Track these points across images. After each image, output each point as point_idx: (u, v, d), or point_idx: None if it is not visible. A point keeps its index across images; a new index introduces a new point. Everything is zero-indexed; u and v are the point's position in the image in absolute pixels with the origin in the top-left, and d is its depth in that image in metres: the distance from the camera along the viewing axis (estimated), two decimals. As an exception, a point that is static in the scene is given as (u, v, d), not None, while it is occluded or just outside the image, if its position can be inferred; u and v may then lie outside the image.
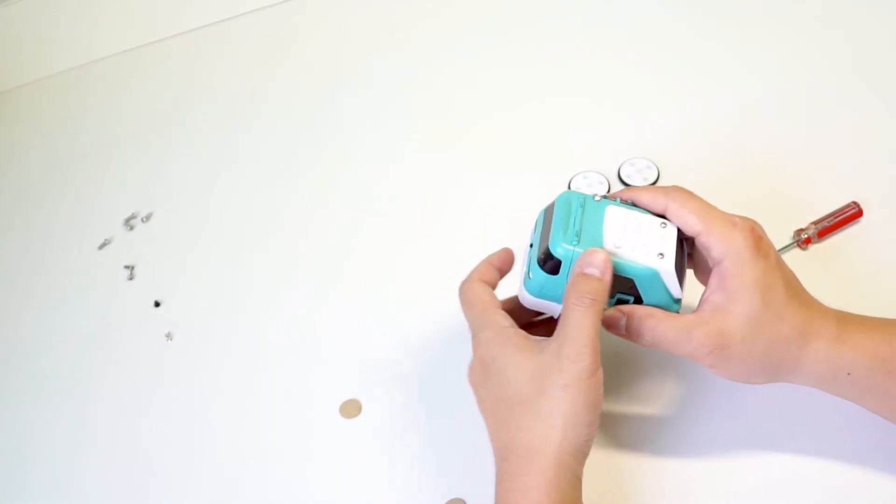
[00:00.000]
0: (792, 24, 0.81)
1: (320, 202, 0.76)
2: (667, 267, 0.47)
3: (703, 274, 0.50)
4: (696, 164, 0.70)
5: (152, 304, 0.71)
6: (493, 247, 0.53)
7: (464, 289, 0.50)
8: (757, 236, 0.46)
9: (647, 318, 0.47)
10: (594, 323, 0.44)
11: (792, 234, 0.63)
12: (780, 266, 0.47)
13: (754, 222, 0.47)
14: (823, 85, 0.74)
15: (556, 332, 0.45)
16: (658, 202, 0.48)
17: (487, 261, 0.51)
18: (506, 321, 0.48)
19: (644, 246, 0.47)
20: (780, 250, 0.62)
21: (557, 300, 0.47)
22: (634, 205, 0.49)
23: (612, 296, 0.48)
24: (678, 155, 0.71)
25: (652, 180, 0.69)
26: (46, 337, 0.72)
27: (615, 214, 0.48)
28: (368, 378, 0.61)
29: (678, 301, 0.49)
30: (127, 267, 0.75)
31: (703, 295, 0.47)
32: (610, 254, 0.46)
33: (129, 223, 0.79)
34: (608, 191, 0.70)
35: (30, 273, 0.78)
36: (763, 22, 0.82)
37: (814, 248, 0.63)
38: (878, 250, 0.62)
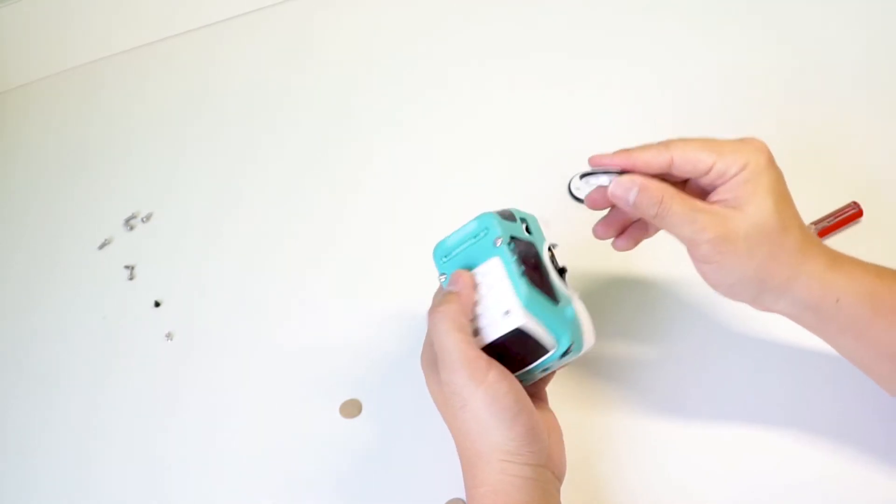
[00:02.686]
0: (791, 24, 0.81)
1: (321, 202, 0.76)
2: (527, 321, 0.45)
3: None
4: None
5: (152, 304, 0.71)
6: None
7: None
8: (768, 149, 0.46)
9: (662, 188, 0.46)
10: (456, 339, 0.45)
11: (792, 234, 0.63)
12: (787, 187, 0.47)
13: (761, 140, 0.47)
14: (823, 85, 0.74)
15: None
16: (662, 157, 0.46)
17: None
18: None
19: (494, 307, 0.46)
20: (780, 250, 0.63)
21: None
22: (527, 261, 0.47)
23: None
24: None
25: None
26: (46, 337, 0.72)
27: (493, 266, 0.47)
28: (368, 378, 0.61)
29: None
30: (127, 267, 0.75)
31: (711, 194, 0.46)
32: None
33: (129, 223, 0.79)
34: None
35: (30, 273, 0.78)
36: (762, 22, 0.82)
37: (814, 248, 0.63)
38: (878, 250, 0.62)
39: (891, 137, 0.69)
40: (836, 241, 0.63)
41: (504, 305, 0.45)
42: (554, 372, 0.50)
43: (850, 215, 0.63)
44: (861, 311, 0.46)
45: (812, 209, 0.64)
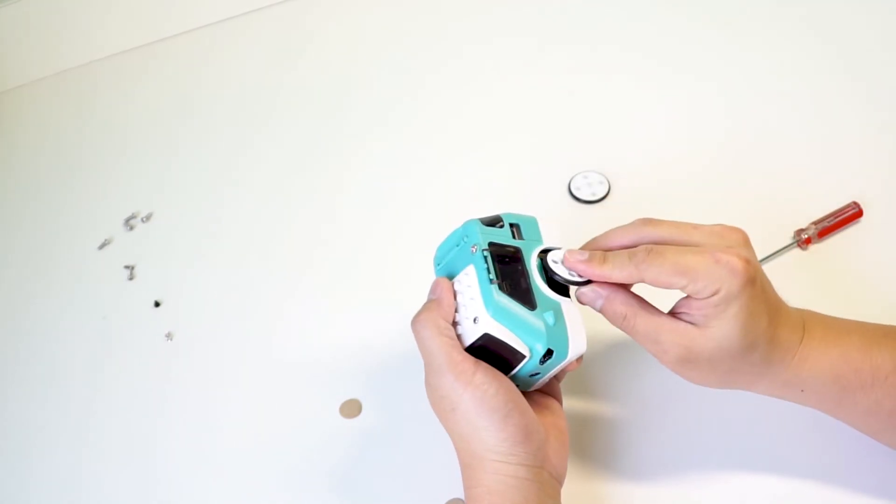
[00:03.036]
0: (790, 23, 0.81)
1: (322, 203, 0.76)
2: (479, 329, 0.46)
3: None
4: (696, 164, 0.70)
5: (152, 304, 0.71)
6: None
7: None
8: (743, 264, 0.43)
9: (626, 304, 0.47)
10: (440, 343, 0.46)
11: (792, 234, 0.63)
12: (765, 288, 0.46)
13: (739, 238, 0.46)
14: (824, 85, 0.75)
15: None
16: (632, 278, 0.46)
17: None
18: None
19: (468, 314, 0.47)
20: (779, 250, 0.63)
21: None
22: (501, 259, 0.48)
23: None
24: (677, 153, 0.71)
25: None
26: (46, 337, 0.72)
27: (469, 273, 0.48)
28: (368, 378, 0.61)
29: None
30: (127, 267, 0.75)
31: (682, 299, 0.46)
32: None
33: (129, 223, 0.79)
34: (607, 191, 0.70)
35: (30, 273, 0.78)
36: (760, 21, 0.82)
37: (814, 248, 0.63)
38: (878, 250, 0.62)
39: (891, 137, 0.69)
40: (836, 241, 0.63)
41: (473, 312, 0.47)
42: (563, 373, 0.50)
43: (850, 215, 0.63)
44: (827, 394, 0.47)
45: (812, 209, 0.64)
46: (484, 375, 0.45)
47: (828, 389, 0.47)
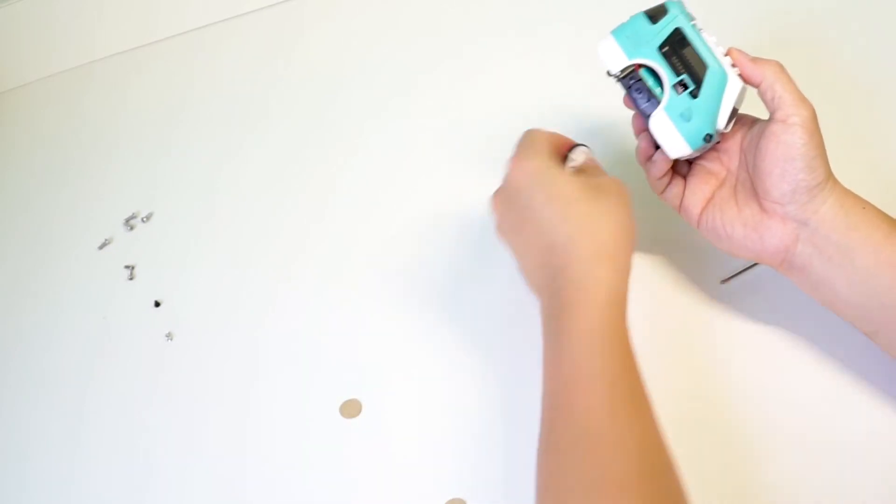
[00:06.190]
0: (786, 20, 0.81)
1: (321, 202, 0.76)
2: (735, 83, 0.50)
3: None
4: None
5: (152, 304, 0.71)
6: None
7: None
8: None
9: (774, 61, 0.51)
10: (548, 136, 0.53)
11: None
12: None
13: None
14: (823, 85, 0.74)
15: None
16: (757, 73, 0.50)
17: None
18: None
19: (728, 64, 0.51)
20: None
21: (627, 51, 0.52)
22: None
23: (678, 73, 0.51)
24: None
25: None
26: (46, 337, 0.72)
27: (710, 36, 0.52)
28: (368, 378, 0.61)
29: (713, 129, 0.51)
30: (127, 267, 0.75)
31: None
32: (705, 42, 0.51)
33: (129, 223, 0.79)
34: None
35: (30, 273, 0.78)
36: (757, 20, 0.82)
37: (814, 248, 0.63)
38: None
39: (891, 137, 0.69)
40: (837, 242, 0.63)
41: (736, 72, 0.51)
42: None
43: (850, 215, 0.63)
44: (881, 221, 0.49)
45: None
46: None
47: (880, 218, 0.49)
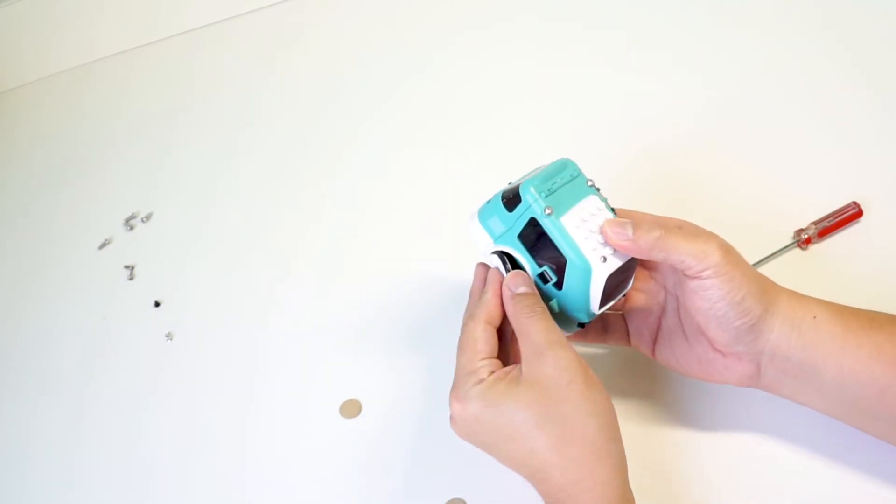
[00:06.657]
0: (788, 23, 0.81)
1: (321, 202, 0.76)
2: (600, 272, 0.46)
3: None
4: (696, 162, 0.70)
5: (152, 304, 0.71)
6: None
7: (465, 329, 0.49)
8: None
9: (655, 224, 0.47)
10: (553, 327, 0.46)
11: (792, 234, 0.63)
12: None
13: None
14: (823, 84, 0.74)
15: (530, 354, 0.45)
16: (636, 249, 0.47)
17: (495, 292, 0.49)
18: (491, 369, 0.47)
19: (597, 244, 0.47)
20: (779, 250, 0.63)
21: (492, 235, 0.49)
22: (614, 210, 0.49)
23: (539, 265, 0.48)
24: (675, 150, 0.71)
25: None
26: (46, 337, 0.72)
27: (591, 204, 0.48)
28: (368, 378, 0.61)
29: (587, 317, 0.48)
30: (127, 267, 0.75)
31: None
32: (564, 225, 0.47)
33: (129, 223, 0.79)
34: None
35: (30, 273, 0.78)
36: (759, 22, 0.82)
37: (814, 248, 0.63)
38: (878, 250, 0.62)
39: (891, 137, 0.69)
40: (836, 241, 0.63)
41: (606, 253, 0.47)
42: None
43: (850, 215, 0.63)
44: (834, 328, 0.47)
45: (812, 209, 0.64)
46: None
47: (835, 321, 0.47)
